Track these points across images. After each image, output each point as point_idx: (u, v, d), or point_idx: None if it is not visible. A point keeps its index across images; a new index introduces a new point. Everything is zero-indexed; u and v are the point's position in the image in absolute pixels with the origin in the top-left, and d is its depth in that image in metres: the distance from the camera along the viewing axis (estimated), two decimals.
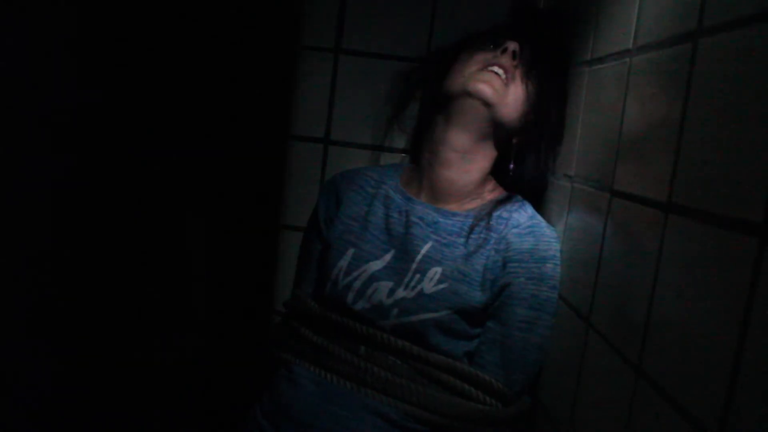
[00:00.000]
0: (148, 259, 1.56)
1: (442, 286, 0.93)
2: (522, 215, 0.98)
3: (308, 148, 1.20)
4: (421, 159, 1.05)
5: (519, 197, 1.02)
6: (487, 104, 0.96)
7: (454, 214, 1.00)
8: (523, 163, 1.02)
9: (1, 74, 1.14)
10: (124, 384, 1.52)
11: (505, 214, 0.98)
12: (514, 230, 0.95)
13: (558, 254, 0.94)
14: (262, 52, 1.48)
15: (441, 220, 0.99)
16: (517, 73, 0.98)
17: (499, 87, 0.96)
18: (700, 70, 0.60)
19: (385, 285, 0.96)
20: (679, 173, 0.62)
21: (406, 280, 0.95)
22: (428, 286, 0.94)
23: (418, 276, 0.95)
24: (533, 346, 0.93)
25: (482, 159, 1.01)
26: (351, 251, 1.00)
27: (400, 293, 0.95)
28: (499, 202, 1.00)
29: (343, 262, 0.99)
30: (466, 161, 1.00)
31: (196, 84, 1.53)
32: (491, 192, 1.04)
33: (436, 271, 0.94)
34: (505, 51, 0.98)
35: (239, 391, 1.56)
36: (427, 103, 1.10)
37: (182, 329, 1.58)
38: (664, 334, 0.62)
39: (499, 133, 0.99)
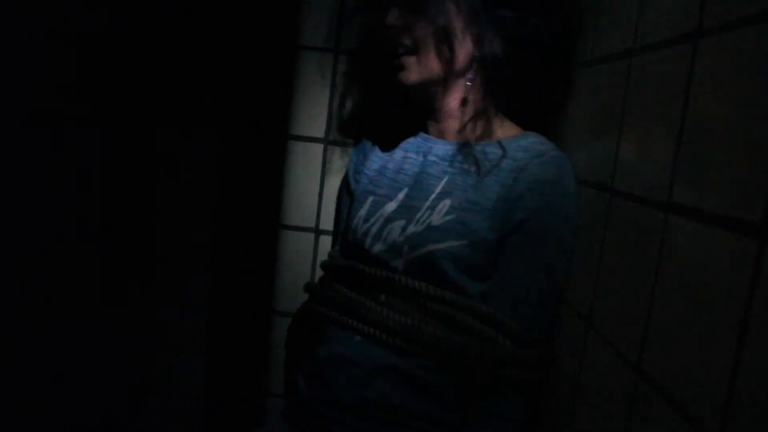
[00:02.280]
0: (148, 254, 1.56)
1: (449, 217, 0.92)
2: (546, 145, 0.93)
3: (308, 147, 1.20)
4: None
5: (536, 133, 0.97)
6: (417, 84, 0.96)
7: (469, 145, 0.97)
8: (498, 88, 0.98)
9: None
10: (125, 378, 1.52)
11: (523, 142, 0.94)
12: (537, 159, 0.90)
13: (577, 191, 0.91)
14: (262, 52, 1.48)
15: (455, 151, 0.98)
16: (418, 28, 0.93)
17: (412, 63, 0.95)
18: (700, 71, 0.60)
19: (399, 224, 0.96)
20: (679, 173, 0.62)
21: (418, 216, 0.95)
22: (436, 218, 0.93)
23: (429, 212, 0.95)
24: (552, 288, 0.90)
25: (457, 90, 0.99)
26: (370, 199, 1.02)
27: (411, 229, 0.95)
28: (513, 132, 0.98)
29: (363, 211, 1.02)
30: (444, 99, 0.99)
31: (195, 84, 1.52)
32: (501, 126, 1.00)
33: (445, 204, 0.93)
34: (389, 28, 0.95)
35: (239, 390, 1.56)
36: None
37: (183, 329, 1.58)
38: (664, 334, 0.62)
39: (453, 77, 0.97)
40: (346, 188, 1.13)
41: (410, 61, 0.95)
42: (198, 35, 1.50)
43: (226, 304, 1.54)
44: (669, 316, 0.61)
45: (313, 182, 1.21)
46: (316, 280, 1.14)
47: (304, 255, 1.23)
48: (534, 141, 0.94)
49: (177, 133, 1.54)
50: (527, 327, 0.89)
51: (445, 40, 0.93)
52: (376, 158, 1.08)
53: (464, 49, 0.95)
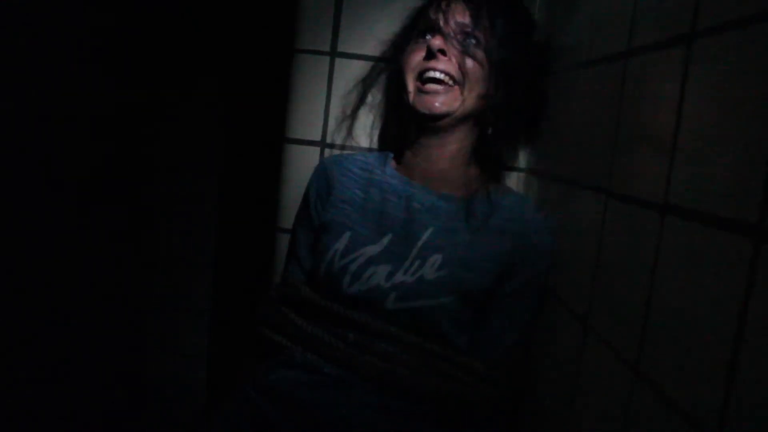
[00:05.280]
0: (151, 256, 1.56)
1: (442, 272, 0.93)
2: (529, 210, 1.01)
3: (305, 151, 1.20)
4: (403, 151, 1.06)
5: (505, 185, 1.07)
6: (441, 116, 0.97)
7: (454, 198, 1.00)
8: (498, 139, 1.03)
9: None
10: (128, 374, 1.52)
11: (505, 203, 0.99)
12: (532, 226, 0.98)
13: None
14: (258, 55, 1.48)
15: (442, 204, 0.99)
16: (456, 58, 0.96)
17: (444, 94, 0.96)
18: (695, 72, 0.61)
19: (384, 268, 0.95)
20: (675, 174, 0.62)
21: (406, 265, 0.94)
22: (429, 272, 0.93)
23: (418, 262, 0.94)
24: (528, 334, 0.99)
25: (462, 139, 1.02)
26: (347, 234, 0.98)
27: (399, 277, 0.94)
28: (495, 187, 1.02)
29: (339, 245, 0.98)
30: (445, 146, 1.02)
31: (193, 88, 1.52)
32: (481, 177, 1.04)
33: (436, 258, 0.94)
34: (432, 55, 0.96)
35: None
36: (392, 105, 1.13)
37: (185, 328, 1.58)
38: (662, 335, 0.62)
39: (467, 119, 1.00)
40: (306, 217, 1.09)
41: (449, 89, 0.96)
42: (194, 39, 1.50)
43: (226, 307, 1.54)
44: (666, 318, 0.61)
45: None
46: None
47: None
48: (514, 201, 1.01)
49: (179, 136, 1.54)
50: (500, 370, 0.96)
51: (486, 81, 0.97)
52: (344, 188, 1.04)
53: (483, 91, 0.98)
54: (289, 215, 1.20)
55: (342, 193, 1.04)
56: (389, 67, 1.12)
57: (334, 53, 1.18)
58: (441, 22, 0.97)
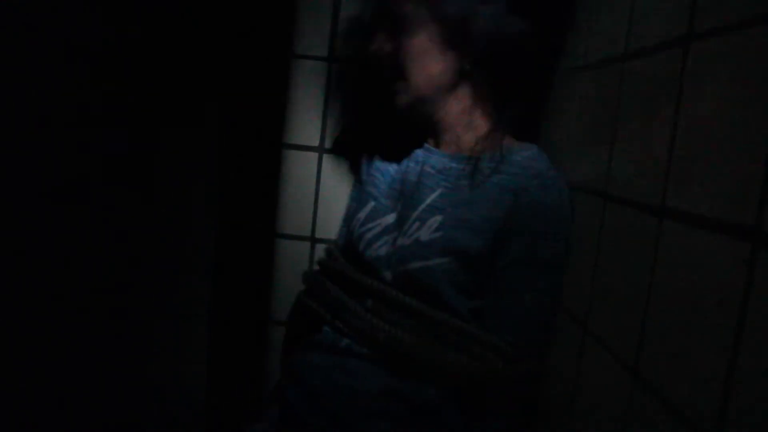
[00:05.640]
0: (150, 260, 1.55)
1: (438, 234, 0.91)
2: (541, 161, 0.92)
3: (303, 156, 1.20)
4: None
5: (531, 144, 0.97)
6: (409, 105, 0.96)
7: (467, 158, 0.96)
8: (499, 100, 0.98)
9: None
10: (128, 380, 1.52)
11: (518, 157, 0.93)
12: (536, 181, 0.89)
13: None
14: (256, 61, 1.48)
15: (454, 165, 0.96)
16: (399, 51, 0.94)
17: (401, 86, 0.95)
18: (692, 74, 0.61)
19: (392, 236, 0.97)
20: (672, 177, 0.62)
21: (406, 227, 0.94)
22: (425, 233, 0.92)
23: (417, 224, 0.93)
24: (545, 306, 0.90)
25: (460, 99, 0.98)
26: (371, 204, 1.03)
27: (399, 241, 0.95)
28: (510, 143, 0.96)
29: (363, 213, 1.03)
30: (446, 111, 0.98)
31: (190, 94, 1.52)
32: (494, 134, 0.98)
33: (435, 220, 0.92)
34: (374, 59, 0.96)
35: (237, 394, 1.55)
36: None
37: (183, 332, 1.58)
38: (661, 338, 0.62)
39: (442, 93, 0.97)
40: (356, 186, 1.15)
41: (399, 84, 0.95)
42: (191, 45, 1.50)
43: (225, 313, 1.53)
44: (665, 321, 0.61)
45: (308, 191, 1.21)
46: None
47: (300, 264, 1.23)
48: (528, 156, 0.93)
49: (178, 139, 1.54)
50: (525, 346, 0.89)
51: (423, 59, 0.94)
52: (381, 163, 1.08)
53: (448, 64, 0.94)
54: (287, 221, 1.21)
55: (380, 162, 1.08)
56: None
57: (332, 58, 1.18)
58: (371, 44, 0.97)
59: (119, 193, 1.53)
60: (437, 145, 1.01)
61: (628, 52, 0.76)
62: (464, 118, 0.98)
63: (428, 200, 0.95)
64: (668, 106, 0.64)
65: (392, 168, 1.05)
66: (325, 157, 1.20)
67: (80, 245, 1.53)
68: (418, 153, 1.03)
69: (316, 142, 1.20)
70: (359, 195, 1.08)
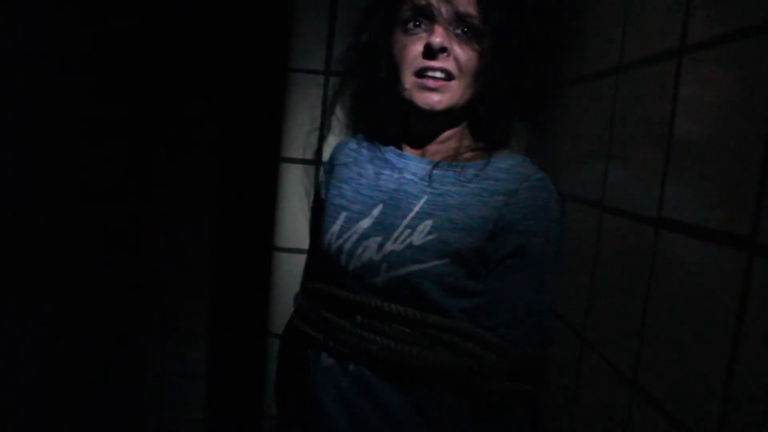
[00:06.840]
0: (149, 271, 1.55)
1: (431, 237, 0.91)
2: (526, 166, 0.94)
3: (300, 170, 1.20)
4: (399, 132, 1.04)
5: (517, 154, 0.99)
6: (442, 112, 0.95)
7: (450, 165, 0.97)
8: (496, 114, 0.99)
9: None
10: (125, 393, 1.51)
11: (502, 164, 0.94)
12: (525, 184, 0.91)
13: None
14: (253, 74, 1.49)
15: (436, 172, 0.96)
16: (464, 54, 0.93)
17: (443, 90, 0.93)
18: (685, 86, 0.61)
19: (374, 241, 0.94)
20: (669, 188, 0.62)
21: (395, 234, 0.93)
22: (417, 238, 0.91)
23: (408, 231, 0.93)
24: (547, 305, 0.92)
25: (457, 120, 0.99)
26: (343, 215, 0.99)
27: (389, 247, 0.93)
28: (496, 152, 0.98)
29: (335, 227, 0.99)
30: (440, 131, 1.00)
31: (189, 107, 1.53)
32: (479, 145, 1.01)
33: (426, 224, 0.92)
34: (433, 54, 0.92)
35: (237, 411, 1.54)
36: (380, 95, 1.05)
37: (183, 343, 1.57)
38: (658, 348, 0.62)
39: (463, 106, 0.97)
40: (318, 209, 1.10)
41: (448, 86, 0.93)
42: (190, 60, 1.51)
43: (224, 327, 1.53)
44: (662, 331, 0.61)
45: (306, 204, 1.21)
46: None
47: (298, 277, 1.22)
48: (513, 163, 0.95)
49: (176, 154, 1.54)
50: (520, 341, 0.90)
51: (485, 72, 0.94)
52: (343, 168, 1.05)
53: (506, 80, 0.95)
54: (285, 234, 1.20)
55: (340, 172, 1.05)
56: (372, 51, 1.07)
57: (328, 72, 1.19)
58: (440, 11, 0.92)
59: (117, 210, 1.53)
60: (422, 154, 1.01)
61: (622, 64, 0.77)
62: (456, 136, 1.01)
63: (416, 208, 0.94)
64: (663, 117, 0.64)
65: (355, 175, 1.03)
66: (322, 170, 1.21)
67: (78, 260, 1.52)
68: (391, 158, 1.02)
69: (312, 155, 1.20)
70: (326, 213, 1.03)
